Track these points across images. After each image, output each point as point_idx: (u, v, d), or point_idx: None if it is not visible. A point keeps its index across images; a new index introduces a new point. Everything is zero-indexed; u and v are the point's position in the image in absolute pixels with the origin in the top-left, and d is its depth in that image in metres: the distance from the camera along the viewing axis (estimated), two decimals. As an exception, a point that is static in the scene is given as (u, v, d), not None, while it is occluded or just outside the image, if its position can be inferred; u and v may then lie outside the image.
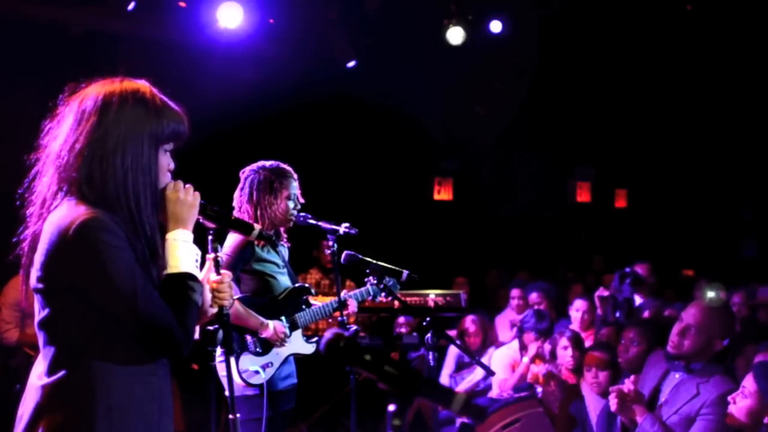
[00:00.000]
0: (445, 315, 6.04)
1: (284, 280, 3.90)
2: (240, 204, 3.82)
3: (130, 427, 2.09)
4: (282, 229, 3.93)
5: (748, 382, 3.24)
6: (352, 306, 4.03)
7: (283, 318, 3.82)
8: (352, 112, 8.92)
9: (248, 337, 3.73)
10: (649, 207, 12.47)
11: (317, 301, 4.08)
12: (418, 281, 3.84)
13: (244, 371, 3.66)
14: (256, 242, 3.72)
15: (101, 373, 2.06)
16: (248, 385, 3.65)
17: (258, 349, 3.73)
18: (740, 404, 3.25)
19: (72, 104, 2.18)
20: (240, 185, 3.86)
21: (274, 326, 3.72)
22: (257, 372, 3.67)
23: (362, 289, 4.06)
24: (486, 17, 8.54)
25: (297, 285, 3.96)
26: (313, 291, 4.08)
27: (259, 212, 3.77)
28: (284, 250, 4.01)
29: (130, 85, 2.20)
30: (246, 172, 3.86)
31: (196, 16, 7.02)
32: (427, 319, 3.56)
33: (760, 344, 4.36)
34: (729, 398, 3.30)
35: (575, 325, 6.07)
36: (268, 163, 3.87)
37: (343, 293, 3.97)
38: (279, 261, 3.89)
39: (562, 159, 11.65)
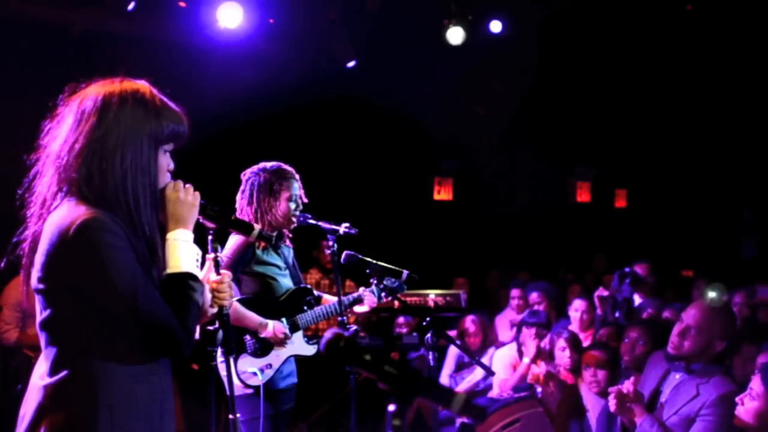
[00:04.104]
0: (445, 315, 6.04)
1: (285, 282, 3.87)
2: (241, 207, 3.79)
3: (131, 426, 2.09)
4: (285, 231, 3.91)
5: (756, 384, 3.20)
6: (371, 301, 3.94)
7: (283, 319, 3.80)
8: (353, 112, 8.91)
9: (247, 338, 3.71)
10: (649, 207, 12.46)
11: (329, 297, 4.05)
12: (418, 281, 3.84)
13: (242, 373, 3.65)
14: (257, 244, 3.70)
15: (103, 373, 2.06)
16: (246, 386, 3.64)
17: (257, 350, 3.71)
18: (748, 406, 3.19)
19: (72, 104, 2.18)
20: (241, 188, 3.82)
21: (273, 326, 3.70)
22: (255, 374, 3.66)
23: (370, 289, 3.97)
24: (486, 17, 8.55)
25: (299, 286, 3.93)
26: (315, 292, 4.04)
27: (259, 215, 3.73)
28: (288, 251, 3.98)
29: (130, 85, 2.20)
30: (247, 174, 3.83)
31: (196, 16, 7.01)
32: (427, 319, 3.57)
33: (760, 344, 4.35)
34: (737, 399, 3.25)
35: (574, 326, 6.06)
36: (269, 165, 3.83)
37: (360, 290, 3.95)
38: (280, 263, 3.87)
39: (562, 159, 11.63)
